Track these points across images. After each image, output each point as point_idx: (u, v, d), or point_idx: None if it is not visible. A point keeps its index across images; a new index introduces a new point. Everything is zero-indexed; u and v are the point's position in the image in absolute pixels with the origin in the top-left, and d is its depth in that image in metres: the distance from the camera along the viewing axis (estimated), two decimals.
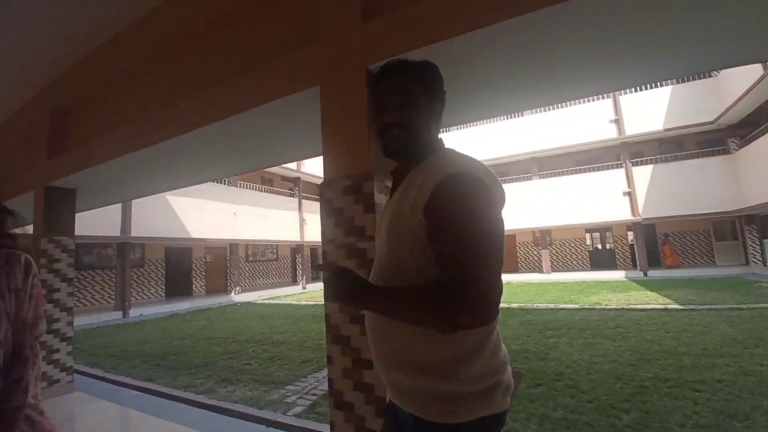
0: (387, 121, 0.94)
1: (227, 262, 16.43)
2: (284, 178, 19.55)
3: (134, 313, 11.23)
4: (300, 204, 18.36)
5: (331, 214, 1.76)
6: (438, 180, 0.81)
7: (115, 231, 10.81)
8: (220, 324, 8.80)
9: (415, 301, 0.79)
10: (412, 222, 0.84)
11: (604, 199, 14.41)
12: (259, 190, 16.90)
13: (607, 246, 17.38)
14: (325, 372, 4.74)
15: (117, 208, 10.76)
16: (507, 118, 16.43)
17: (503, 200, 0.89)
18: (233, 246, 15.84)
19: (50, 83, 3.81)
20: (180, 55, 2.84)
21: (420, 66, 0.97)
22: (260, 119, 2.40)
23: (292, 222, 17.72)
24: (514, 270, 18.37)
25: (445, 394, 0.81)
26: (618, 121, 14.62)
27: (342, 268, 0.89)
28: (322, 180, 1.84)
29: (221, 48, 2.60)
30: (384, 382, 0.93)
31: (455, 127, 16.73)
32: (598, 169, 15.42)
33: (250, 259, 18.55)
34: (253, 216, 15.41)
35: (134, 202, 10.95)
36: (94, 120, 3.61)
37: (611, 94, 14.49)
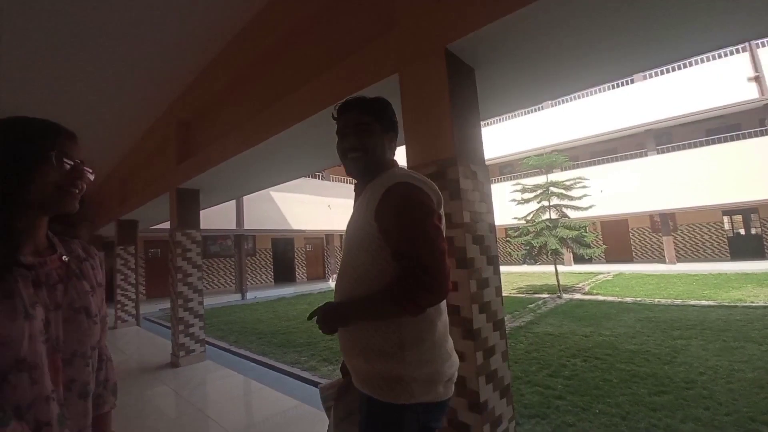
0: (346, 146, 1.11)
1: (324, 252, 17.68)
2: None
3: (250, 295, 12.81)
4: None
5: None
6: (384, 189, 0.98)
7: (231, 225, 12.40)
8: None
9: (388, 299, 0.93)
10: (367, 228, 1.00)
11: (747, 175, 11.74)
12: (349, 183, 17.72)
13: (753, 231, 14.28)
14: None
15: (233, 204, 12.31)
16: (611, 87, 14.42)
17: (439, 204, 1.05)
18: (329, 236, 16.97)
19: (175, 100, 4.47)
20: (274, 61, 3.07)
21: (372, 101, 1.13)
22: None
23: None
24: (628, 260, 16.25)
25: (393, 376, 0.95)
26: (759, 79, 11.71)
27: (324, 305, 1.04)
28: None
29: (309, 47, 2.74)
30: (349, 369, 1.07)
31: (550, 104, 15.30)
32: (737, 138, 12.63)
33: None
34: (345, 207, 16.26)
35: (245, 198, 12.40)
36: (210, 128, 4.13)
37: (746, 46, 11.67)
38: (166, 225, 4.83)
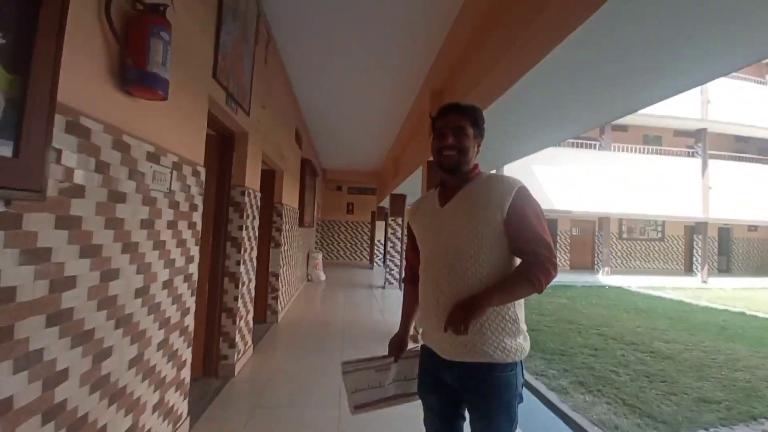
0: (444, 144, 1.24)
1: (595, 238, 14.87)
2: (678, 133, 14.92)
3: None
4: (704, 166, 13.40)
5: None
6: (516, 187, 1.18)
7: None
8: (583, 307, 7.90)
9: (526, 284, 1.13)
10: (494, 223, 1.16)
11: None
12: (640, 152, 13.80)
13: None
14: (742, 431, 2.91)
15: None
16: None
17: None
18: (603, 220, 14.06)
19: (429, 71, 4.33)
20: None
21: (469, 108, 1.28)
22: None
23: (689, 191, 13.27)
24: None
25: None
26: None
27: (456, 305, 1.15)
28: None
29: None
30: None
31: None
32: None
33: (625, 236, 15.88)
34: (630, 184, 12.84)
35: (505, 172, 11.81)
36: (458, 91, 3.72)
37: None
38: None
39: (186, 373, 2.16)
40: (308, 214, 7.25)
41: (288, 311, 5.47)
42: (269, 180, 4.60)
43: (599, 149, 13.34)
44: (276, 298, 4.81)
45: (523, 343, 1.20)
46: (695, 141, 13.93)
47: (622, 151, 13.59)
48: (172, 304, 1.92)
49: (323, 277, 8.66)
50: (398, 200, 8.13)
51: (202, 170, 2.20)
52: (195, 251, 2.15)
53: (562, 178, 12.49)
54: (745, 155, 14.45)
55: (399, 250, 8.12)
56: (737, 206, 13.37)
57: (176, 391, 2.04)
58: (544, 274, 1.10)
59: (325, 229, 13.65)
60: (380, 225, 11.38)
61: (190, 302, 2.14)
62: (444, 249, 1.22)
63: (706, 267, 13.58)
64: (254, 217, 3.40)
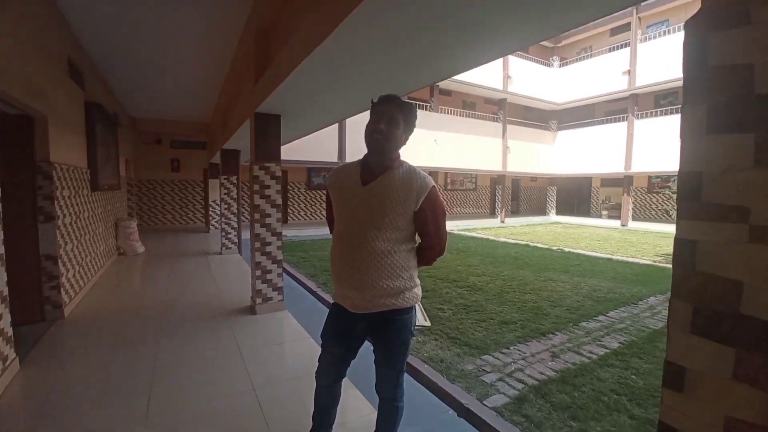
0: (376, 128, 1.41)
1: None
2: (488, 101, 17.67)
3: None
4: (504, 130, 16.39)
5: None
6: (429, 187, 1.44)
7: (333, 157, 12.11)
8: None
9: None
10: (410, 204, 1.41)
11: None
12: (460, 115, 15.83)
13: None
14: (535, 347, 3.69)
15: (336, 135, 11.90)
16: None
17: None
18: (433, 174, 15.85)
19: (252, 3, 3.63)
20: None
21: (406, 104, 1.45)
22: None
23: (493, 150, 16.15)
24: None
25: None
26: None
27: None
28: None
29: None
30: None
31: None
32: None
33: (449, 187, 18.38)
34: (452, 143, 14.70)
35: (348, 130, 11.83)
36: (286, 33, 3.20)
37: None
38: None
39: None
40: (106, 174, 5.68)
41: (83, 300, 4.26)
42: (22, 130, 3.23)
43: (429, 110, 14.63)
44: (57, 287, 3.63)
45: (417, 291, 1.54)
46: (498, 108, 16.80)
47: (447, 113, 15.30)
48: None
49: (141, 249, 7.18)
50: (231, 157, 7.17)
51: None
52: None
53: None
54: (529, 122, 18.24)
55: (235, 211, 7.29)
56: (523, 162, 17.01)
57: None
58: (435, 255, 1.57)
59: (143, 190, 11.30)
60: (215, 184, 10.02)
61: None
62: (360, 224, 1.43)
63: (504, 210, 17.04)
64: None
